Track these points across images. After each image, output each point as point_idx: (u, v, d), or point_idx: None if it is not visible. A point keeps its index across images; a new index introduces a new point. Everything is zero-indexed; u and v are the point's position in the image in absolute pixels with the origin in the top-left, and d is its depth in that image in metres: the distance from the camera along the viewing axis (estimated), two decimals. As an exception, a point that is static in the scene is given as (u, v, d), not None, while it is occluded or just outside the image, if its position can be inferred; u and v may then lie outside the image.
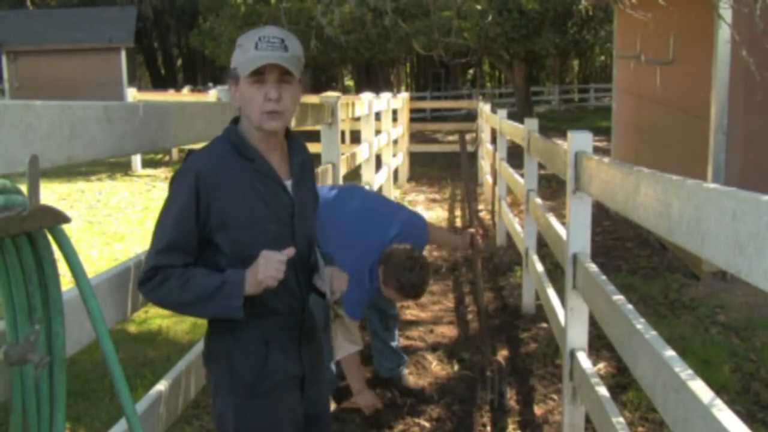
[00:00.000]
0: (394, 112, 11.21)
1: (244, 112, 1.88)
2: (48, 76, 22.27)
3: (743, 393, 3.65)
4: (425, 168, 13.50)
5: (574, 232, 2.84)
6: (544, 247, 5.21)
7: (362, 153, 6.30)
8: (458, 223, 8.54)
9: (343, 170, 4.98)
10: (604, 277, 2.45)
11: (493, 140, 8.73)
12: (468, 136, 5.96)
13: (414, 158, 13.49)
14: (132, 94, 14.64)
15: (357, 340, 3.38)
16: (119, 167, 13.54)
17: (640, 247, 6.76)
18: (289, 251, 1.81)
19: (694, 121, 6.05)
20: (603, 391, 2.43)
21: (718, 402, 1.44)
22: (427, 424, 3.49)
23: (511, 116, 7.81)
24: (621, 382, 3.77)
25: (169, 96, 16.78)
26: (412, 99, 16.39)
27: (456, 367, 4.15)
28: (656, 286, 5.48)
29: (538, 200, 4.46)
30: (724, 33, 5.20)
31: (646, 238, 6.96)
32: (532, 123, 4.93)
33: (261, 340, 1.93)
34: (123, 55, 23.22)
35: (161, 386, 2.22)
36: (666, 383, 1.68)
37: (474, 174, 11.00)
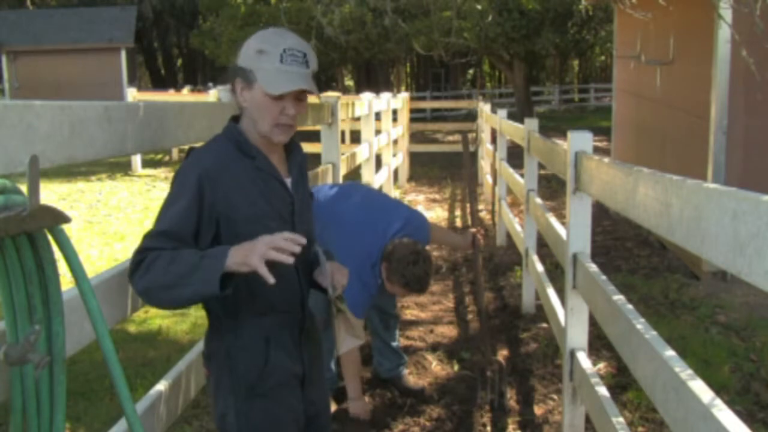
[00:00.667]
0: (394, 112, 11.20)
1: (251, 115, 1.87)
2: (48, 76, 22.28)
3: (743, 393, 3.65)
4: (425, 168, 13.51)
5: (574, 232, 2.85)
6: (544, 247, 5.21)
7: (362, 153, 6.30)
8: (458, 223, 8.54)
9: (343, 170, 4.98)
10: (604, 277, 2.45)
11: (493, 140, 8.73)
12: (468, 136, 5.96)
13: (414, 158, 13.50)
14: (132, 94, 14.64)
15: (360, 335, 3.36)
16: (119, 167, 13.54)
17: (640, 247, 6.75)
18: (300, 239, 1.70)
19: (694, 121, 6.05)
20: (603, 391, 2.43)
21: (718, 402, 1.44)
22: (427, 424, 3.49)
23: (511, 116, 7.81)
24: (621, 382, 3.77)
25: (169, 96, 16.79)
26: (412, 99, 16.39)
27: (456, 367, 4.15)
28: (656, 286, 5.48)
29: (538, 200, 4.46)
30: (724, 33, 5.20)
31: (646, 238, 6.96)
32: (532, 123, 4.93)
33: (262, 338, 1.92)
34: (123, 55, 23.25)
35: (161, 386, 2.22)
36: (666, 383, 1.68)
37: (474, 174, 10.99)
